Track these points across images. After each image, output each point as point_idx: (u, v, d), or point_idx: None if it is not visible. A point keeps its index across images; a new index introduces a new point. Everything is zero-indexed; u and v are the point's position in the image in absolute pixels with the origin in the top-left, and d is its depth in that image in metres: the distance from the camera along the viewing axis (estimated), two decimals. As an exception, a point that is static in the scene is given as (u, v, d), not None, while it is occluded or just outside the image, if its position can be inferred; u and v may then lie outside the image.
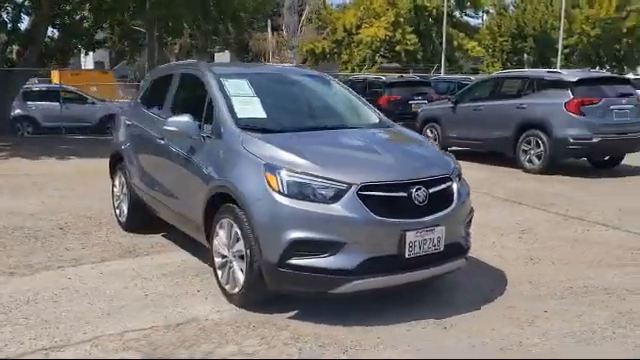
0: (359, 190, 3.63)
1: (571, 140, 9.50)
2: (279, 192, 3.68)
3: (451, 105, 11.86)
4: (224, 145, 4.22)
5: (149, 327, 3.71)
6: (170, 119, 4.52)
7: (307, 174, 3.70)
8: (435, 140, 11.75)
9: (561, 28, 31.71)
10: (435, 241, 3.79)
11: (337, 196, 3.63)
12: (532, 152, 10.03)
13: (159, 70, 6.16)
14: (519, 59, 40.36)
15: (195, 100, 4.92)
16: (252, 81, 4.83)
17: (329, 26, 40.25)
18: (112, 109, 19.86)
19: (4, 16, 14.80)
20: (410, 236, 3.66)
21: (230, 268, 4.07)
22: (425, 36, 37.91)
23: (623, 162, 10.71)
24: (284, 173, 3.71)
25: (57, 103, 17.89)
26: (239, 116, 4.34)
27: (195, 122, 4.46)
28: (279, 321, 3.81)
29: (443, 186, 3.96)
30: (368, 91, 15.58)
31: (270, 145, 3.98)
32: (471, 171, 7.76)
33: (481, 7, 39.14)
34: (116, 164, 6.26)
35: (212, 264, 4.35)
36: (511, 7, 39.49)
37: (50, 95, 18.57)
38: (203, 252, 5.14)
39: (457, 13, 39.95)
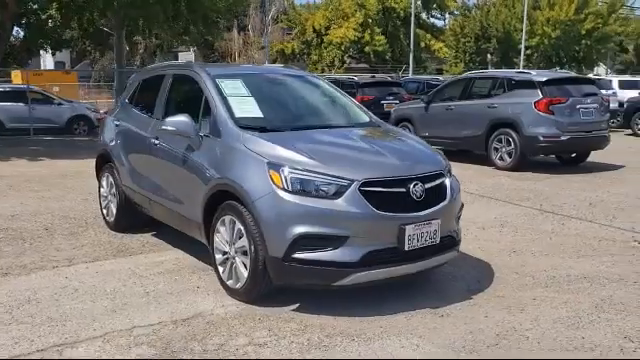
0: (361, 186, 3.79)
1: (541, 138, 9.88)
2: (283, 189, 3.80)
3: (423, 105, 12.13)
4: (224, 144, 4.31)
5: (157, 323, 3.79)
6: (168, 119, 4.58)
7: (310, 171, 3.83)
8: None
9: (524, 30, 32.57)
10: (432, 234, 3.97)
11: (339, 192, 3.77)
12: (503, 150, 10.38)
13: (148, 70, 6.19)
14: (481, 60, 41.22)
15: (190, 100, 5.00)
16: (246, 81, 4.93)
17: (298, 27, 40.35)
18: (80, 110, 19.64)
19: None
20: (409, 229, 3.83)
21: (232, 264, 4.16)
22: (393, 37, 38.39)
23: (588, 159, 11.15)
24: (287, 170, 3.84)
25: (22, 104, 17.53)
26: (237, 116, 4.44)
27: (192, 122, 4.53)
28: (284, 314, 3.93)
29: (437, 182, 4.16)
30: (341, 91, 15.73)
31: (271, 143, 4.10)
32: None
33: (447, 9, 39.83)
34: (103, 164, 6.26)
35: (212, 261, 4.43)
36: (474, 9, 40.28)
37: (15, 96, 18.17)
38: (196, 250, 5.24)
39: (424, 15, 40.55)
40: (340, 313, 3.92)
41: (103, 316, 3.89)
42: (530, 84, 10.22)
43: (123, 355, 3.35)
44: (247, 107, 4.61)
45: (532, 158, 10.64)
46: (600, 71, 41.98)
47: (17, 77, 24.74)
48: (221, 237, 4.26)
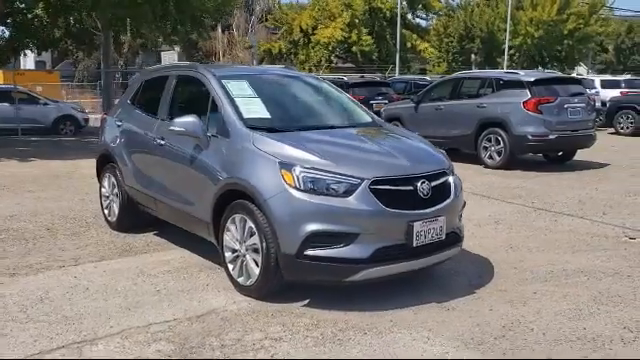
0: (371, 184, 3.90)
1: (530, 137, 10.09)
2: (295, 187, 3.90)
3: (413, 105, 12.29)
4: (233, 144, 4.40)
5: (172, 319, 3.87)
6: (176, 120, 4.65)
7: (321, 170, 3.94)
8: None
9: (507, 30, 33.00)
10: (438, 230, 4.10)
11: (350, 190, 3.89)
12: (492, 149, 10.57)
13: (150, 71, 6.24)
14: (464, 59, 41.64)
15: (196, 101, 5.08)
16: (251, 82, 5.02)
17: (284, 26, 40.38)
18: (66, 110, 19.51)
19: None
20: (417, 226, 3.96)
21: (243, 262, 4.25)
22: (380, 37, 38.62)
23: (574, 158, 11.40)
24: (299, 169, 3.94)
25: (8, 104, 17.37)
26: (245, 116, 4.53)
27: (201, 122, 4.61)
28: (295, 309, 4.03)
29: (442, 180, 4.29)
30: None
31: (281, 143, 4.20)
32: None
33: (432, 9, 40.13)
34: (104, 165, 6.30)
35: (222, 259, 4.51)
36: (458, 10, 40.65)
37: (1, 96, 17.99)
38: (200, 249, 5.32)
39: (409, 15, 40.82)
40: (350, 308, 4.04)
41: (118, 314, 3.96)
42: (519, 84, 10.43)
43: (143, 351, 3.43)
44: (254, 108, 4.70)
45: (520, 157, 10.85)
46: (581, 71, 42.64)
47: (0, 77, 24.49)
48: (231, 235, 4.35)
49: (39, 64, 49.09)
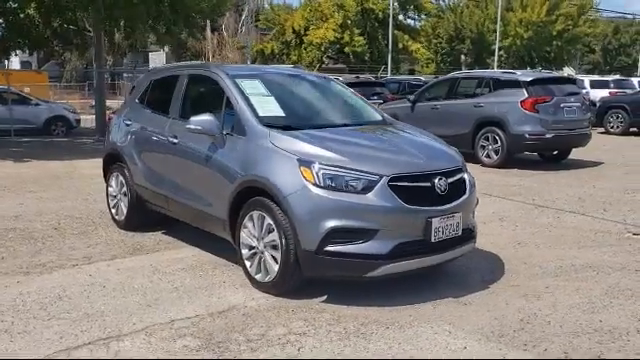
0: (389, 181, 3.96)
1: (527, 136, 10.22)
2: (315, 184, 3.95)
3: (409, 104, 12.38)
4: (250, 142, 4.43)
5: (194, 316, 3.90)
6: (193, 118, 4.67)
7: (340, 167, 3.99)
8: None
9: (497, 31, 33.33)
10: (455, 226, 4.17)
11: (369, 187, 3.94)
12: (490, 147, 10.69)
13: (159, 71, 6.25)
14: (453, 60, 41.95)
15: (209, 100, 5.12)
16: (263, 81, 5.05)
17: (276, 27, 40.38)
18: (57, 110, 19.38)
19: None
20: (435, 222, 4.03)
21: (261, 258, 4.29)
22: (372, 38, 38.77)
23: (569, 156, 11.56)
24: (318, 166, 3.99)
25: (0, 105, 17.22)
26: (261, 114, 4.57)
27: (217, 120, 4.64)
28: (315, 305, 4.08)
29: (458, 177, 4.37)
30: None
31: (298, 141, 4.24)
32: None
33: (424, 10, 40.35)
34: (112, 164, 6.30)
35: (239, 256, 4.54)
36: (447, 11, 40.95)
37: (-10, 96, 17.84)
38: (211, 246, 5.35)
39: (401, 16, 41.01)
40: (368, 304, 4.09)
41: (139, 311, 3.98)
42: (515, 84, 10.56)
43: (169, 347, 3.46)
44: (269, 106, 4.73)
45: (516, 155, 10.97)
46: (568, 71, 43.14)
47: (-14, 77, 24.27)
48: (248, 232, 4.38)
49: (25, 64, 48.68)
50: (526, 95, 10.28)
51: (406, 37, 39.16)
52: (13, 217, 6.76)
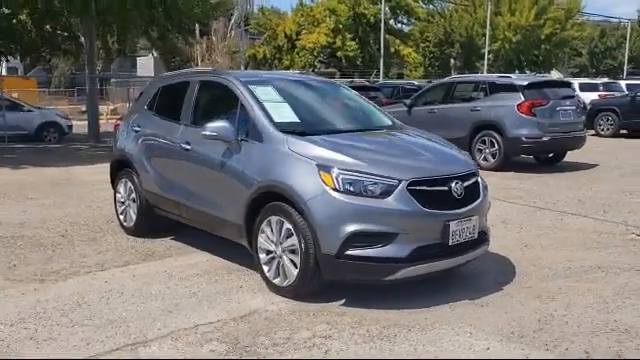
0: (408, 185, 4.03)
1: (524, 139, 10.37)
2: (335, 189, 4.01)
3: (406, 109, 12.48)
4: (267, 148, 4.48)
5: (217, 320, 3.93)
6: (208, 125, 4.71)
7: (359, 172, 4.05)
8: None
9: (487, 34, 33.68)
10: (471, 229, 4.25)
11: (388, 191, 4.00)
12: (487, 151, 10.82)
13: (167, 78, 6.26)
14: (441, 64, 42.29)
15: (222, 106, 5.16)
16: (276, 87, 5.11)
17: (268, 31, 40.42)
18: (50, 116, 19.26)
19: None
20: (453, 225, 4.10)
21: (279, 263, 4.33)
22: (364, 43, 38.99)
23: (564, 159, 11.72)
24: (337, 171, 4.04)
25: (-7, 111, 17.11)
26: (276, 120, 4.62)
27: (232, 127, 4.68)
28: (335, 309, 4.13)
29: (473, 180, 4.45)
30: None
31: (316, 146, 4.30)
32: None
33: (415, 14, 40.63)
34: (119, 170, 6.31)
35: (256, 261, 4.58)
36: (437, 15, 41.29)
37: (-15, 103, 17.71)
38: (223, 251, 5.39)
39: (392, 21, 41.26)
40: (387, 307, 4.14)
41: (161, 316, 4.01)
42: (512, 87, 10.71)
43: (197, 352, 3.49)
44: (283, 112, 4.79)
45: (513, 159, 11.11)
46: (555, 74, 43.64)
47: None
48: (266, 237, 4.42)
49: (11, 70, 48.26)
50: (523, 99, 10.43)
51: (397, 41, 39.44)
52: (18, 224, 6.74)
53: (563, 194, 8.48)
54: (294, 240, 4.17)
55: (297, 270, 4.18)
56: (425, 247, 4.06)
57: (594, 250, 5.66)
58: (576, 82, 22.29)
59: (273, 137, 4.49)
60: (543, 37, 36.29)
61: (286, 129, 4.56)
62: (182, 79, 5.79)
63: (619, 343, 3.61)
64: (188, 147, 5.20)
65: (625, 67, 45.56)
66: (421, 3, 39.30)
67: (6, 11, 15.11)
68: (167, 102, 5.85)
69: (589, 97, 20.50)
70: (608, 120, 17.84)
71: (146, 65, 47.10)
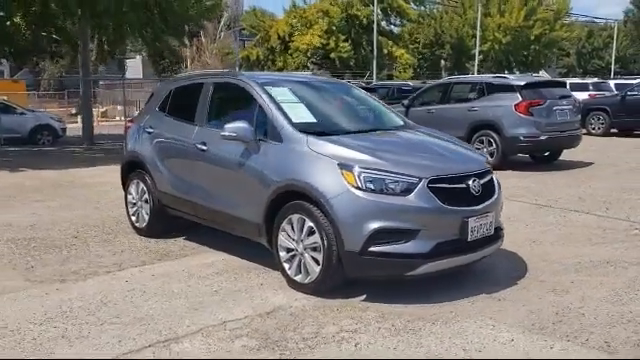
0: (429, 183, 4.13)
1: (522, 138, 10.54)
2: (357, 187, 4.10)
3: (403, 109, 12.59)
4: (287, 148, 4.56)
5: (244, 317, 4.00)
6: (227, 125, 4.78)
7: (380, 170, 4.15)
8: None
9: (478, 36, 34.05)
10: (488, 225, 4.37)
11: (409, 189, 4.10)
12: (485, 150, 10.94)
13: (179, 79, 6.32)
14: (429, 65, 42.58)
15: (239, 107, 5.23)
16: (291, 88, 5.19)
17: (261, 33, 40.48)
18: (43, 119, 19.19)
19: None
20: (471, 222, 4.21)
21: (301, 260, 4.42)
22: (356, 44, 39.21)
23: (560, 157, 11.91)
24: (359, 170, 4.14)
25: (-12, 115, 17.02)
26: (294, 121, 4.71)
27: (251, 127, 4.76)
28: (357, 304, 4.22)
29: (488, 177, 4.57)
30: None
31: (336, 145, 4.39)
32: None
33: (407, 16, 40.87)
34: (131, 172, 6.35)
35: (277, 259, 4.65)
36: (427, 17, 41.59)
37: (-20, 106, 17.63)
38: (237, 250, 5.47)
39: (384, 22, 41.50)
40: (407, 301, 4.24)
41: (188, 313, 4.07)
42: (509, 88, 10.87)
43: (229, 347, 3.56)
44: (300, 113, 4.87)
45: (510, 157, 11.27)
46: (543, 74, 44.13)
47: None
48: (286, 235, 4.50)
49: (-3, 73, 47.81)
50: (520, 99, 10.59)
51: (390, 43, 39.70)
52: (29, 226, 6.76)
53: (563, 192, 8.64)
54: (316, 238, 4.25)
55: (319, 267, 4.27)
56: (445, 243, 4.16)
57: (600, 245, 5.80)
58: (567, 82, 22.57)
59: (293, 137, 4.57)
60: (532, 38, 36.80)
61: (304, 129, 4.64)
62: (195, 81, 5.86)
63: (637, 334, 3.73)
64: (204, 148, 5.26)
65: (612, 67, 46.26)
66: (412, 5, 39.63)
67: (0, 14, 15.03)
68: (180, 104, 5.90)
69: (580, 97, 20.76)
70: (599, 119, 18.11)
71: (136, 67, 47.02)
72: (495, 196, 4.55)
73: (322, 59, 37.66)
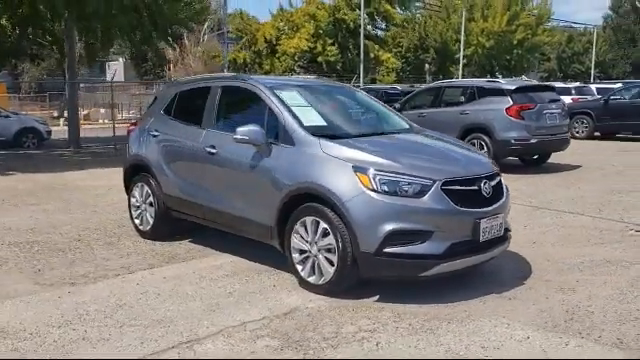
0: (442, 185, 4.22)
1: (513, 141, 10.72)
2: (372, 190, 4.17)
3: (395, 112, 12.73)
4: (299, 151, 4.62)
5: (261, 318, 4.04)
6: (239, 129, 4.81)
7: (394, 172, 4.22)
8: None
9: (462, 40, 34.46)
10: (498, 226, 4.47)
11: (423, 191, 4.19)
12: (476, 153, 11.13)
13: (185, 83, 6.31)
14: (413, 69, 42.94)
15: (248, 111, 5.28)
16: (300, 92, 5.25)
17: (247, 36, 40.43)
18: (28, 122, 18.96)
19: None
20: (483, 223, 4.31)
21: (314, 262, 4.47)
22: (343, 48, 39.40)
23: (548, 160, 12.13)
24: (374, 172, 4.21)
25: (-26, 117, 16.81)
26: (305, 124, 4.77)
27: (262, 130, 4.81)
28: (372, 304, 4.29)
29: (497, 180, 4.68)
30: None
31: (349, 148, 4.46)
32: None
33: (392, 20, 41.12)
34: (135, 175, 6.35)
35: (289, 261, 4.70)
36: (412, 22, 41.96)
37: (-37, 109, 17.39)
38: (245, 252, 5.52)
39: (370, 26, 41.74)
40: (421, 301, 4.32)
41: (206, 315, 4.10)
42: (500, 92, 11.06)
43: (252, 347, 3.60)
44: (311, 116, 4.94)
45: (501, 160, 11.45)
46: (525, 79, 44.78)
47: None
48: (299, 237, 4.55)
49: (-27, 75, 47.06)
50: (511, 103, 10.78)
51: (377, 47, 39.96)
52: (29, 230, 6.73)
53: (555, 194, 8.81)
54: (330, 239, 4.31)
55: (334, 268, 4.33)
56: (458, 244, 4.26)
57: (599, 246, 5.94)
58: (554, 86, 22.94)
59: (305, 140, 4.63)
60: (515, 42, 37.37)
61: (315, 132, 4.71)
62: (202, 84, 5.89)
63: (646, 330, 3.86)
64: (213, 151, 5.29)
65: (592, 71, 47.13)
66: (398, 9, 39.95)
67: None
68: (187, 107, 5.93)
69: (565, 101, 21.12)
70: (583, 123, 18.43)
71: (119, 69, 46.61)
72: (504, 198, 4.66)
73: (309, 63, 37.80)
